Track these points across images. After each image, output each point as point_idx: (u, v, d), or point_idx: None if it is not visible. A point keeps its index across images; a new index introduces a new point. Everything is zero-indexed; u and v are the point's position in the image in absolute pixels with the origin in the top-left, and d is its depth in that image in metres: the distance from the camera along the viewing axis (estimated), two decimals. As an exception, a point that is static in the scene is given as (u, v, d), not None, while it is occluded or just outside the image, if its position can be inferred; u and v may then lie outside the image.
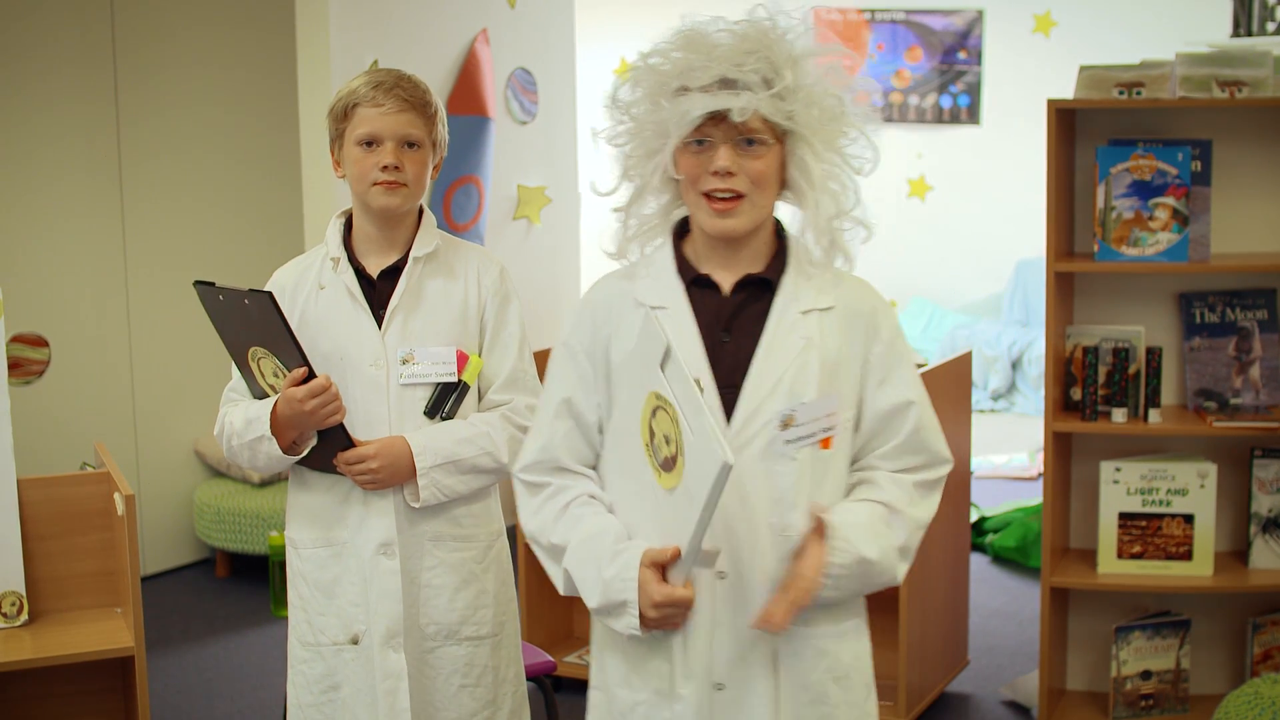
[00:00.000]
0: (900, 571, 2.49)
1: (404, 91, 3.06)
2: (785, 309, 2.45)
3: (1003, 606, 5.95)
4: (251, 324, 3.00)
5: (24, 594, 3.24)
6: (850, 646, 2.54)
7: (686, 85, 2.36)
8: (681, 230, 2.54)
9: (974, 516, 6.70)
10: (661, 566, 2.34)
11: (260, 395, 3.13)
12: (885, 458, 2.52)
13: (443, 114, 3.16)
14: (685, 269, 2.49)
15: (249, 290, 2.96)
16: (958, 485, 5.01)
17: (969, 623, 5.29)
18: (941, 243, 10.96)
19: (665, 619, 2.36)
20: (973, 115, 10.88)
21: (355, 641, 3.12)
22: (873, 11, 10.97)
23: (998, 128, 10.73)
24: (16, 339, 5.86)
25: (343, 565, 3.13)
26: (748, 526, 2.40)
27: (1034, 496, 7.18)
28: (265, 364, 3.04)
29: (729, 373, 2.43)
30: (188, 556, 6.57)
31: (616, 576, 2.36)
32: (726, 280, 2.48)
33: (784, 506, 2.41)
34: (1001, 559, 6.54)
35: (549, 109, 6.93)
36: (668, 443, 2.28)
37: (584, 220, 7.24)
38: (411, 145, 3.06)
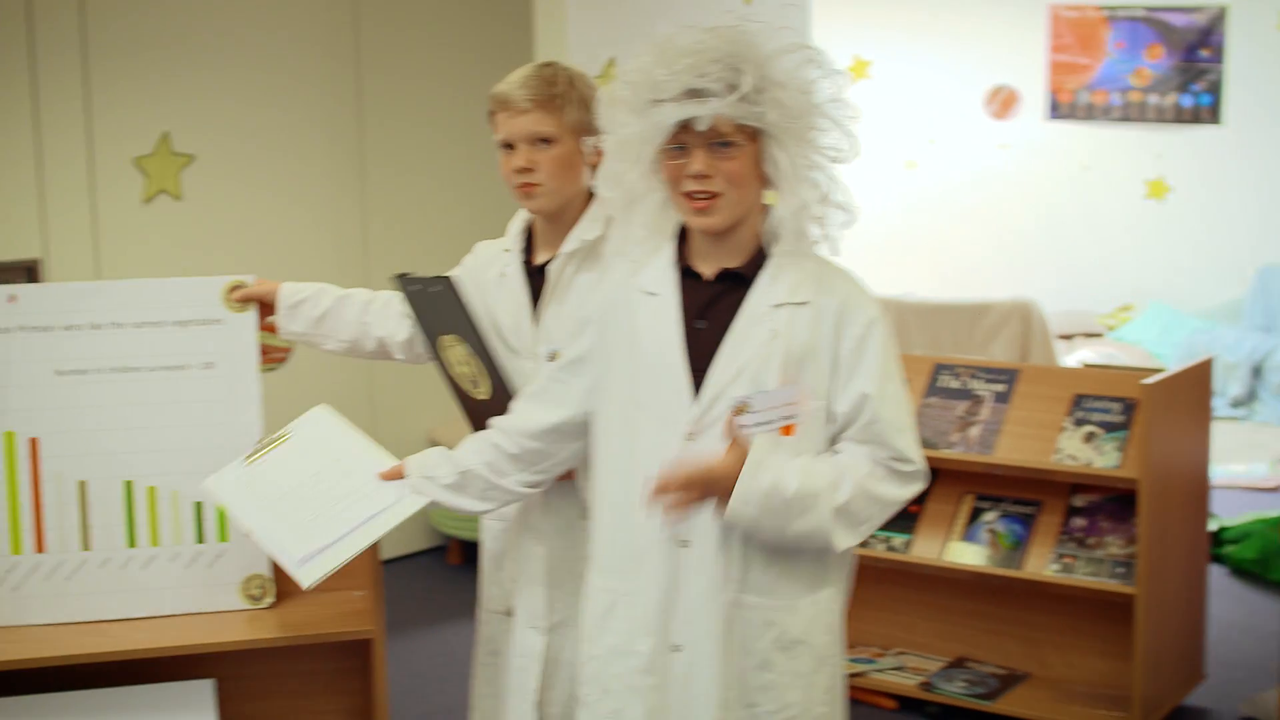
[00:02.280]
0: (838, 535, 2.57)
1: (528, 91, 3.05)
2: (757, 302, 2.62)
3: (1242, 620, 5.78)
4: (439, 312, 3.11)
5: (271, 577, 3.34)
6: (802, 620, 2.64)
7: (657, 98, 2.53)
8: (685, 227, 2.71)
9: (1213, 526, 6.51)
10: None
11: (451, 385, 3.23)
12: (848, 443, 2.66)
13: (593, 97, 3.02)
14: (681, 261, 2.69)
15: (433, 277, 3.08)
16: (1196, 494, 4.88)
17: (1206, 636, 5.15)
18: (1180, 246, 10.67)
19: None
20: (1214, 115, 10.58)
21: (509, 614, 3.21)
22: (1112, 9, 10.74)
23: (1241, 128, 10.42)
24: (262, 327, 6.03)
25: (507, 540, 3.23)
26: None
27: (1275, 507, 6.96)
28: (453, 352, 3.13)
29: (700, 358, 2.61)
30: (422, 543, 6.70)
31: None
32: (709, 271, 2.65)
33: None
34: (1241, 571, 6.36)
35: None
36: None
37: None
38: (545, 142, 3.05)
